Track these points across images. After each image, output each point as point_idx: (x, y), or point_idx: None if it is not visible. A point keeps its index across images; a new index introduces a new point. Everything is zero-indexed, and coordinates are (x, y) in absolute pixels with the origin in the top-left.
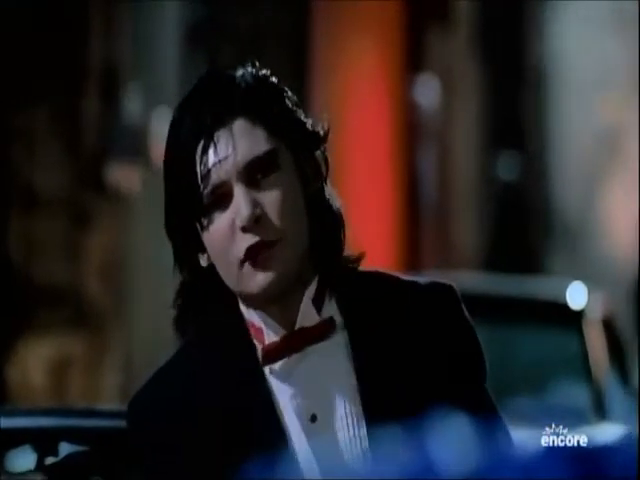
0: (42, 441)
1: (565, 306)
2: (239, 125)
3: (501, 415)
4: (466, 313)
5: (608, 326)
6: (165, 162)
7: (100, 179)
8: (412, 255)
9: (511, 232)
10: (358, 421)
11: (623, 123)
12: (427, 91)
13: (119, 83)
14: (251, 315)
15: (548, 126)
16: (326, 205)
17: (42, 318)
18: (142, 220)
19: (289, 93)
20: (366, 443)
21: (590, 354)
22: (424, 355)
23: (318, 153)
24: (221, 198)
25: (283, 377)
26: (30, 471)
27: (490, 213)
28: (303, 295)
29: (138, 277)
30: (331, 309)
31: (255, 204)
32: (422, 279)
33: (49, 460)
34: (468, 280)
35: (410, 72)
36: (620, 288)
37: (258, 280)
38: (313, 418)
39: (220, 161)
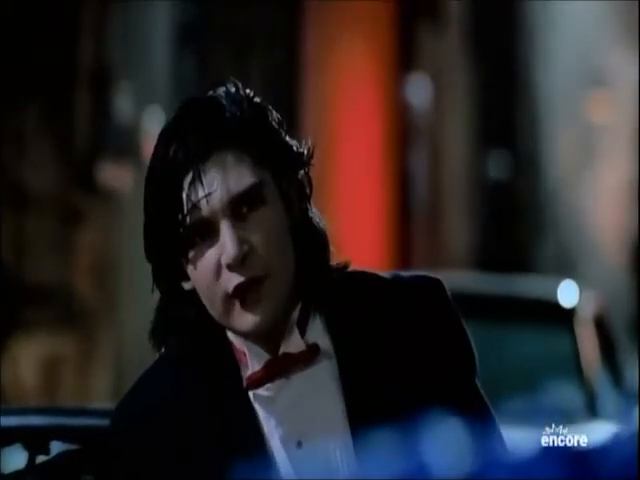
0: (33, 440)
1: (556, 305)
2: (226, 157)
3: (493, 412)
4: (455, 307)
5: (600, 324)
6: (148, 193)
7: (91, 178)
8: (403, 254)
9: (502, 231)
10: (345, 446)
11: (613, 122)
12: (418, 90)
13: (110, 82)
14: (235, 338)
15: (539, 125)
16: (311, 227)
17: (32, 317)
18: (133, 219)
19: (273, 113)
20: (354, 467)
21: (582, 352)
22: (415, 361)
23: (302, 174)
24: (207, 233)
25: (267, 403)
26: (21, 470)
27: (481, 212)
28: (287, 320)
29: (128, 276)
30: (316, 327)
31: (242, 241)
32: (407, 275)
33: (40, 459)
34: (459, 279)
35: (401, 71)
36: (611, 286)
37: (247, 320)
38: (299, 444)
39: (206, 196)
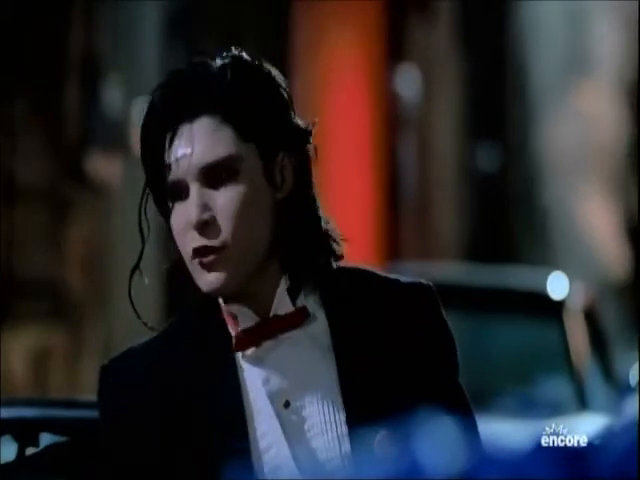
0: (23, 432)
1: (546, 296)
2: (207, 124)
3: (471, 407)
4: (443, 313)
5: (589, 316)
6: (139, 147)
7: (80, 169)
8: (392, 245)
9: (491, 222)
10: (332, 409)
11: (602, 113)
12: (408, 82)
13: (100, 74)
14: (227, 303)
15: (528, 117)
16: (299, 206)
17: (23, 309)
18: (122, 210)
19: (278, 89)
20: (341, 430)
21: (571, 344)
22: (402, 350)
23: (301, 152)
24: (180, 193)
25: (255, 362)
26: (11, 461)
27: (470, 203)
28: (278, 286)
29: (118, 268)
30: (311, 302)
31: (205, 208)
32: (403, 278)
33: (30, 451)
34: (449, 270)
35: (391, 63)
36: (601, 278)
37: (206, 279)
38: (286, 404)
39: (179, 159)
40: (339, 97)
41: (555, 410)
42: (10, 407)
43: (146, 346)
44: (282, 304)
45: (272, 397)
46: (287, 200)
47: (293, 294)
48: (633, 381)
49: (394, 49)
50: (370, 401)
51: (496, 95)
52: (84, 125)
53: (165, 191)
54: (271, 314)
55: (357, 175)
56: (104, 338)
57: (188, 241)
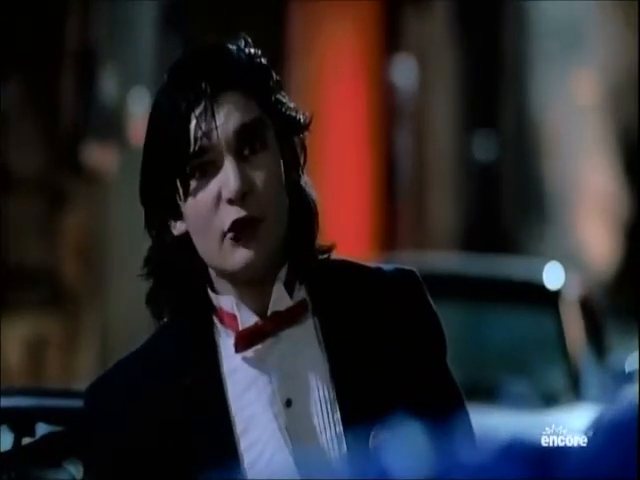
0: (19, 421)
1: (542, 286)
2: (235, 96)
3: (460, 390)
4: (429, 297)
5: (585, 306)
6: (152, 125)
7: (76, 160)
8: (388, 235)
9: (488, 212)
10: (332, 405)
11: (598, 102)
12: (404, 72)
13: (96, 64)
14: (222, 301)
15: (524, 106)
16: (303, 194)
17: (19, 299)
18: (118, 201)
19: (274, 75)
20: (339, 427)
21: (566, 334)
22: (391, 338)
23: (297, 141)
24: (209, 166)
25: (257, 364)
26: (7, 451)
27: (467, 193)
28: (275, 280)
29: (114, 257)
30: (301, 295)
31: (244, 177)
32: (386, 266)
33: (26, 440)
34: (445, 261)
35: (387, 53)
36: (596, 267)
37: (239, 257)
38: (288, 403)
39: (211, 130)
40: (336, 87)
41: (551, 400)
42: (6, 397)
43: (129, 360)
44: (280, 299)
45: (274, 397)
46: (292, 184)
47: (289, 287)
48: (629, 370)
49: (391, 39)
50: (364, 394)
51: (492, 85)
52: (80, 115)
53: (187, 166)
54: (269, 310)
55: (354, 165)
56: (100, 327)
57: (222, 216)
